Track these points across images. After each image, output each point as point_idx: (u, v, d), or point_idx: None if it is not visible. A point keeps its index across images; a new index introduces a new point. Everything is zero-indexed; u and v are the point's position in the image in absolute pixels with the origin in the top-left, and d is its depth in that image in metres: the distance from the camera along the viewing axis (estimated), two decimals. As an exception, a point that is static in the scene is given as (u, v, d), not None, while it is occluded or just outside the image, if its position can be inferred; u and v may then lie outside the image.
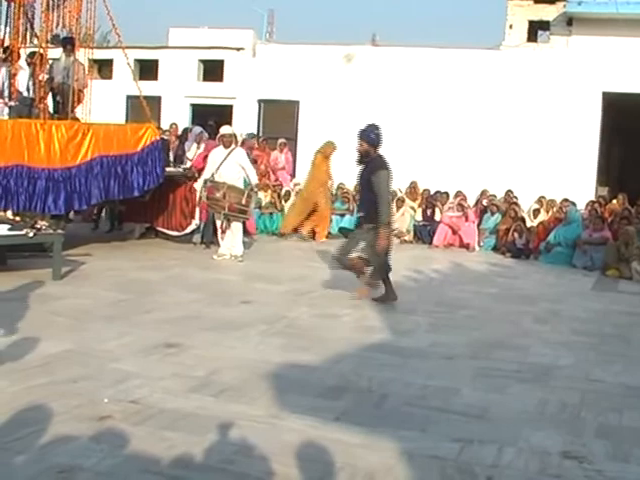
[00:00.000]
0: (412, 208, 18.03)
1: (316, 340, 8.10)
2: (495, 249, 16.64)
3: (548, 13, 20.52)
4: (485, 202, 18.09)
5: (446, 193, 18.36)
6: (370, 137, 10.07)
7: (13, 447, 4.94)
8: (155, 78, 22.07)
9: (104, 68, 22.64)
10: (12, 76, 13.11)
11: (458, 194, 18.02)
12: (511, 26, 20.93)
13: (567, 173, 18.97)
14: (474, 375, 7.12)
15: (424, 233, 17.49)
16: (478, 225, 17.21)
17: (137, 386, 6.26)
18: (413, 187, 18.73)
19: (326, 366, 7.15)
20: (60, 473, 4.63)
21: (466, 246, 16.71)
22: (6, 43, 13.64)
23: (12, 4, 13.39)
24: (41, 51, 13.32)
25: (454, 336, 8.65)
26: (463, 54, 20.16)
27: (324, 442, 5.27)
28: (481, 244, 16.95)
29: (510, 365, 7.54)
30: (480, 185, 18.89)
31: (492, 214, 17.28)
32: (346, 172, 17.77)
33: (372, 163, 10.05)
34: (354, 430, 5.53)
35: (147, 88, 15.45)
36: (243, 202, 13.10)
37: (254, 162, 15.41)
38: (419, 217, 18.02)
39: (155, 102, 19.87)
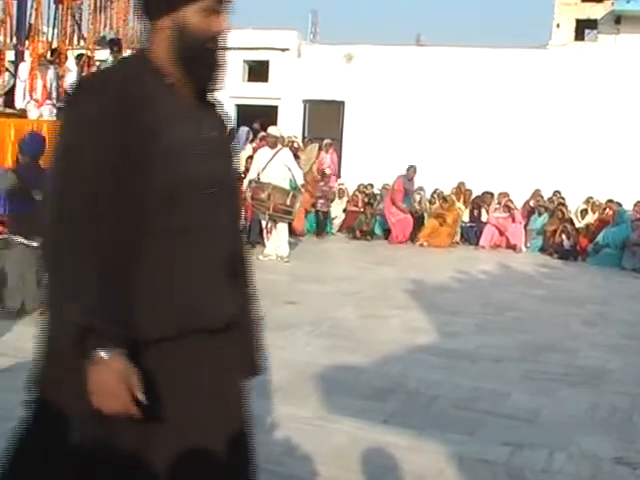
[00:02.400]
0: (459, 209, 17.94)
1: (363, 341, 8.08)
2: (542, 250, 16.52)
3: (595, 11, 20.36)
4: (532, 203, 17.94)
5: (491, 194, 18.24)
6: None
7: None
8: (200, 79, 22.15)
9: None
10: (60, 78, 13.21)
11: (503, 195, 17.88)
12: (558, 25, 20.80)
13: (615, 173, 18.73)
14: (523, 378, 7.05)
15: (471, 234, 17.41)
16: (525, 226, 17.09)
17: (185, 387, 6.26)
18: (460, 187, 18.63)
19: (373, 368, 7.11)
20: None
21: (513, 247, 16.61)
22: (54, 45, 13.74)
23: (60, 6, 13.49)
24: (88, 53, 13.42)
25: (502, 338, 8.58)
26: (509, 54, 20.00)
27: (373, 444, 5.24)
28: (528, 245, 16.84)
29: (559, 368, 7.46)
30: (527, 186, 18.70)
31: (539, 215, 17.15)
32: (388, 172, 17.86)
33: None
34: (403, 432, 5.49)
35: (193, 89, 15.47)
36: (288, 203, 13.11)
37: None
38: (466, 218, 17.92)
39: (201, 103, 19.92)
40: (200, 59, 2.49)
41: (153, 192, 2.38)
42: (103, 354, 2.26)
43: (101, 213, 2.31)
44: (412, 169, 17.27)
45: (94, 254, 2.31)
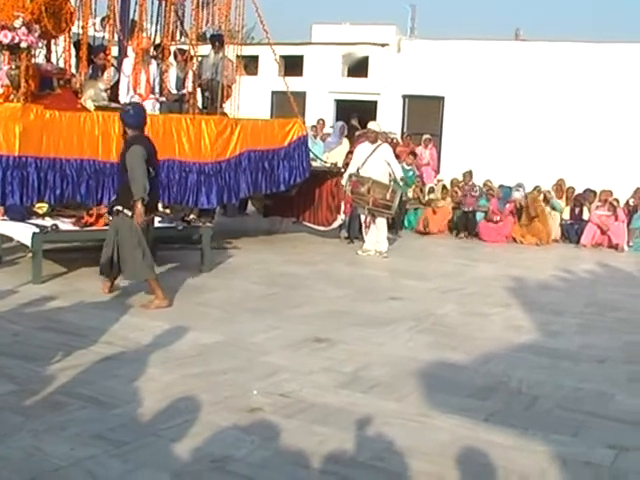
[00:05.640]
0: (557, 206, 17.63)
1: (465, 338, 8.04)
2: (646, 250, 16.14)
3: None
4: (633, 201, 17.50)
5: (594, 192, 17.86)
6: (124, 118, 9.03)
7: (167, 435, 5.07)
8: (300, 74, 22.23)
9: (250, 64, 22.95)
10: (163, 73, 13.42)
11: (606, 193, 17.49)
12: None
13: None
14: (628, 380, 6.90)
15: (571, 232, 17.09)
16: (627, 225, 16.71)
17: (287, 379, 6.34)
18: (559, 185, 18.29)
19: (475, 365, 7.07)
20: (213, 462, 4.71)
21: (615, 246, 16.25)
22: (157, 41, 13.95)
23: (163, 3, 13.71)
24: (190, 49, 13.58)
25: (605, 339, 8.41)
26: (611, 48, 19.51)
27: (475, 443, 5.22)
28: (630, 244, 16.47)
29: (667, 371, 7.28)
30: (628, 183, 18.21)
31: (642, 213, 16.76)
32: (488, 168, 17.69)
33: (128, 143, 8.88)
34: (505, 432, 5.45)
35: (292, 84, 15.51)
36: (388, 197, 13.08)
37: (397, 158, 15.28)
38: (566, 216, 17.59)
39: (300, 98, 20.00)
40: None
41: None
42: None
43: None
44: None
45: None
